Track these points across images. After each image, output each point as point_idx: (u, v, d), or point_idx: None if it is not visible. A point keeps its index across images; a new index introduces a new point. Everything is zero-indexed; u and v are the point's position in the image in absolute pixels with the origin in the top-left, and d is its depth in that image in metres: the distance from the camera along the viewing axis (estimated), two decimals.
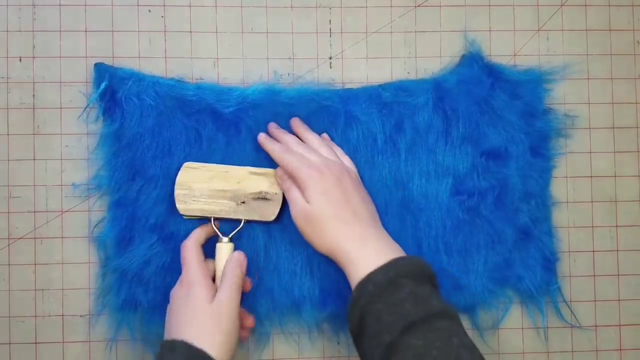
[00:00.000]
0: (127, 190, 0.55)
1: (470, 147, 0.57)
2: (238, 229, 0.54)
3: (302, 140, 0.55)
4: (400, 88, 0.57)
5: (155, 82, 0.55)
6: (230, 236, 0.54)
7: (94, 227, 0.56)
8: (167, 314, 0.51)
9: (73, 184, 0.56)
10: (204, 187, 0.54)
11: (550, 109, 0.59)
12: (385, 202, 0.56)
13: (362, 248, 0.48)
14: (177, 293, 0.50)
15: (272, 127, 0.55)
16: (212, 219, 0.54)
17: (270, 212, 0.54)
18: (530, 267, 0.57)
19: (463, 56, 0.58)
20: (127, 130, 0.55)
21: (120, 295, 0.54)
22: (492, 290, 0.57)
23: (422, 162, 0.57)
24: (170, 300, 0.51)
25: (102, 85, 0.55)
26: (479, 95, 0.57)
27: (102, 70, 0.55)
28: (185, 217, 0.55)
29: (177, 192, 0.54)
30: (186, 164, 0.54)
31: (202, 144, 0.55)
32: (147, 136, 0.55)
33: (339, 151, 0.55)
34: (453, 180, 0.57)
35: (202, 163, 0.55)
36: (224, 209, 0.54)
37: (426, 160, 0.57)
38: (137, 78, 0.55)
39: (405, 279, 0.45)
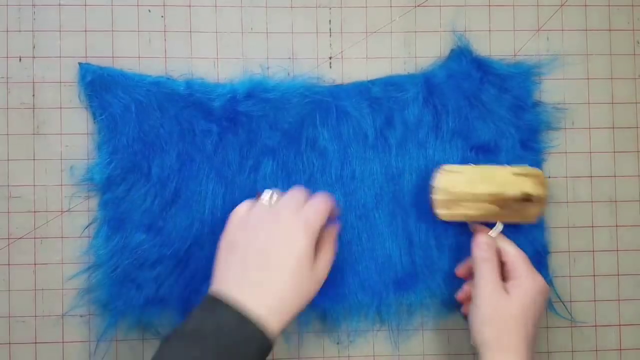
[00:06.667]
0: (118, 189, 0.54)
1: (460, 142, 0.57)
2: (496, 229, 0.54)
3: None
4: (390, 83, 0.57)
5: (143, 80, 0.55)
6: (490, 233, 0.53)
7: (85, 228, 0.55)
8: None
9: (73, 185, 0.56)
10: (466, 191, 0.53)
11: (540, 102, 0.59)
12: (376, 197, 0.56)
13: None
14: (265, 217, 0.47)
15: None
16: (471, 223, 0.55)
17: (532, 214, 0.54)
18: None
19: (452, 51, 0.58)
20: (119, 129, 0.54)
21: (112, 293, 0.54)
22: None
23: (412, 157, 0.57)
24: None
25: (88, 80, 0.55)
26: (468, 90, 0.57)
27: (87, 70, 0.55)
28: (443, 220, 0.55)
29: (438, 197, 0.54)
30: (444, 167, 0.54)
31: (195, 138, 0.55)
32: (140, 133, 0.54)
33: None
34: None
35: (459, 165, 0.55)
36: (485, 213, 0.54)
37: (417, 155, 0.57)
38: (125, 77, 0.55)
39: None
